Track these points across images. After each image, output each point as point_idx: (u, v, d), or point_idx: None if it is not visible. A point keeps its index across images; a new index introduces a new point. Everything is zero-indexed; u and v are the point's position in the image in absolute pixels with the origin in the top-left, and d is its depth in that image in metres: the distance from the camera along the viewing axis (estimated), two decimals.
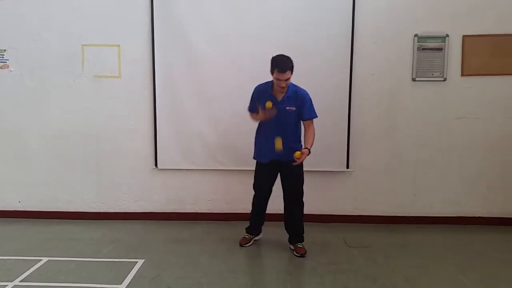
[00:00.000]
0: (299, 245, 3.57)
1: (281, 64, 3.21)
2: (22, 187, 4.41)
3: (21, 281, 2.96)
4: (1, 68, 4.28)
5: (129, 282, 2.95)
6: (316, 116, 3.48)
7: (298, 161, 3.30)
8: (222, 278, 3.07)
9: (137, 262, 3.30)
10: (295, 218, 3.61)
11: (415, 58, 4.12)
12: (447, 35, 4.08)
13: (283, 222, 3.70)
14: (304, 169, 4.03)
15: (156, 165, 4.30)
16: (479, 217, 4.25)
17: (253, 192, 3.68)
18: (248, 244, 3.69)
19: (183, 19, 4.11)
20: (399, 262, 3.36)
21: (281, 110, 3.36)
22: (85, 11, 4.18)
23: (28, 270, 3.13)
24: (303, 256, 3.47)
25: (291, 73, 3.24)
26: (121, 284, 2.92)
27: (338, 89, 4.13)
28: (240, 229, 3.84)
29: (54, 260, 3.33)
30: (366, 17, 4.08)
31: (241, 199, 4.20)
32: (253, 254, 3.59)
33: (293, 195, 3.57)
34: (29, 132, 4.34)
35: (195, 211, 4.37)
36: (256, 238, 3.80)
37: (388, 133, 4.22)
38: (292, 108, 3.37)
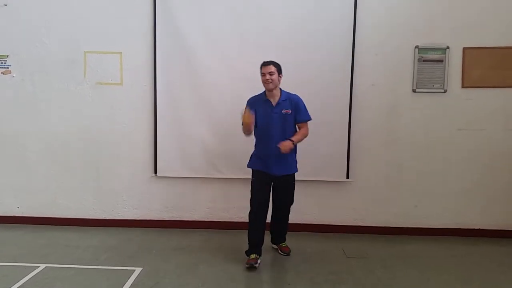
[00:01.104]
0: (283, 245, 3.76)
1: (264, 61, 3.43)
2: (21, 192, 4.41)
3: None
4: (3, 73, 4.30)
5: None
6: (311, 119, 3.56)
7: (283, 149, 3.30)
8: (220, 286, 3.05)
9: (135, 270, 3.28)
10: (282, 223, 3.76)
11: (416, 69, 4.14)
12: (448, 47, 4.10)
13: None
14: (304, 178, 4.09)
15: (155, 172, 4.30)
16: (479, 229, 4.24)
17: None
18: (257, 264, 3.42)
19: (184, 27, 4.13)
20: (397, 273, 3.35)
21: (278, 114, 3.43)
22: (87, 18, 4.21)
23: (25, 276, 3.12)
24: (289, 254, 3.67)
25: (276, 69, 3.39)
26: None
27: (339, 99, 4.14)
28: (238, 238, 3.83)
29: (51, 266, 3.32)
30: (367, 28, 4.11)
31: (240, 207, 4.18)
32: None
33: (285, 203, 3.68)
34: (29, 137, 4.35)
35: (193, 219, 4.36)
36: (259, 260, 3.50)
37: (388, 143, 4.22)
38: (288, 111, 3.44)
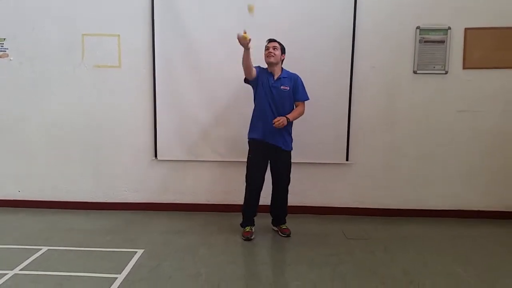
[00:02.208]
0: (283, 226, 3.80)
1: (270, 38, 3.60)
2: (22, 176, 4.42)
3: (21, 269, 2.97)
4: (0, 57, 4.26)
5: (129, 272, 2.96)
6: (309, 99, 3.67)
7: (276, 123, 3.42)
8: (221, 268, 3.07)
9: (136, 252, 3.31)
10: (281, 203, 3.81)
11: (417, 50, 4.10)
12: (449, 28, 4.06)
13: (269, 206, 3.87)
14: (304, 161, 4.10)
15: (155, 156, 4.30)
16: (478, 210, 4.26)
17: None
18: (253, 237, 3.64)
19: (183, 9, 4.08)
20: (397, 254, 3.37)
21: (276, 88, 3.54)
22: (85, 0, 4.15)
23: (28, 259, 3.14)
24: (289, 236, 3.71)
25: (280, 47, 3.56)
26: (120, 273, 2.93)
27: (339, 81, 4.12)
28: (238, 220, 3.84)
29: (53, 249, 3.34)
30: (367, 9, 4.06)
31: (240, 190, 4.16)
32: (252, 244, 3.59)
33: (282, 183, 3.73)
34: (28, 121, 4.34)
35: (194, 202, 4.38)
36: (252, 230, 3.74)
37: (388, 125, 4.21)
38: (286, 87, 3.56)
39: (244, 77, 3.56)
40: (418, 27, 4.07)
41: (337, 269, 3.07)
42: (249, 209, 3.71)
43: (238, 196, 4.23)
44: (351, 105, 4.15)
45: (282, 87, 3.54)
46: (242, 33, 3.23)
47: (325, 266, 3.13)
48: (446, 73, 4.12)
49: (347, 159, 4.22)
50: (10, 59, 4.26)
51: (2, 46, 4.26)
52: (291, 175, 3.75)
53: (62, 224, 3.97)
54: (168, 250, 3.38)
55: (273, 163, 3.70)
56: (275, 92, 3.53)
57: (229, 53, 4.07)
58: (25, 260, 3.11)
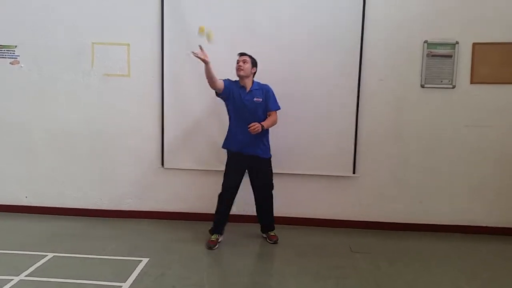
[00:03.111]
0: (271, 233, 3.86)
1: (241, 52, 3.71)
2: (29, 182, 4.45)
3: (26, 275, 2.99)
4: (11, 64, 4.32)
5: (133, 281, 2.97)
6: (280, 108, 3.75)
7: (251, 128, 3.49)
8: (225, 278, 3.08)
9: (141, 260, 3.31)
10: (267, 210, 3.86)
11: (424, 64, 4.11)
12: (457, 42, 4.06)
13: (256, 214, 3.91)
14: (311, 173, 4.09)
15: (162, 164, 4.32)
16: (485, 226, 4.22)
17: None
18: (216, 247, 3.64)
19: (192, 19, 4.11)
20: (402, 268, 3.36)
21: (249, 101, 3.63)
22: (95, 9, 4.22)
23: (33, 265, 3.16)
24: (276, 243, 3.78)
25: (250, 61, 3.66)
26: (125, 282, 2.94)
27: (346, 94, 4.12)
28: (243, 230, 3.86)
29: (59, 256, 3.36)
30: (375, 22, 4.07)
31: (245, 200, 4.20)
32: (256, 255, 3.60)
33: (265, 190, 3.80)
34: (36, 127, 4.38)
35: (199, 211, 4.38)
36: (220, 239, 3.77)
37: (396, 139, 4.21)
38: (259, 99, 3.65)
39: (215, 91, 3.64)
40: (425, 41, 4.08)
41: (341, 282, 3.06)
42: (220, 216, 3.74)
43: (243, 207, 4.25)
44: (358, 118, 4.15)
45: (255, 99, 3.63)
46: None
47: (329, 279, 3.11)
48: (454, 87, 4.12)
49: (353, 172, 4.21)
50: (21, 66, 4.32)
51: (13, 53, 4.32)
52: (273, 181, 3.82)
53: (68, 231, 3.98)
54: (172, 259, 3.38)
55: (252, 172, 3.76)
56: (248, 105, 3.62)
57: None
58: (31, 266, 3.13)
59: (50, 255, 3.36)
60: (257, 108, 3.65)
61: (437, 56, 4.10)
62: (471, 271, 3.35)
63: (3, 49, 4.31)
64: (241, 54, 3.68)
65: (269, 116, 3.70)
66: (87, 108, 4.32)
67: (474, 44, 4.06)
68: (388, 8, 4.07)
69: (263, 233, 3.93)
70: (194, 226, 4.20)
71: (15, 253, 3.40)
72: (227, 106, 3.74)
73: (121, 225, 4.20)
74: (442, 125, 4.16)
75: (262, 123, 3.57)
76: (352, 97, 4.12)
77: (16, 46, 4.31)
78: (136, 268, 3.16)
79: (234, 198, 3.76)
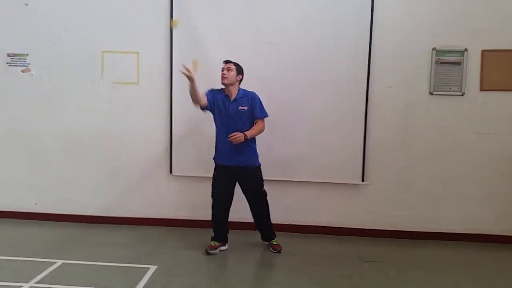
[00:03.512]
0: (274, 242, 3.80)
1: (226, 59, 3.66)
2: (38, 189, 4.49)
3: (36, 282, 3.00)
4: (23, 72, 4.38)
5: None
6: (267, 115, 3.68)
7: (231, 138, 3.45)
8: (233, 287, 3.06)
9: (150, 268, 3.31)
10: (262, 217, 3.80)
11: (433, 71, 4.10)
12: (466, 49, 4.05)
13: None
14: (319, 180, 4.08)
15: (170, 171, 4.34)
16: (495, 235, 4.17)
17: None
18: (214, 252, 3.63)
19: (200, 27, 4.16)
20: (411, 277, 3.32)
21: (234, 110, 3.58)
22: (105, 18, 4.27)
23: (42, 272, 3.17)
24: (280, 252, 3.71)
25: (235, 69, 3.60)
26: None
27: (354, 101, 4.12)
28: (251, 238, 3.84)
29: (68, 263, 3.37)
30: (383, 29, 4.08)
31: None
32: (264, 264, 3.58)
33: (257, 198, 3.74)
34: (46, 135, 4.42)
35: (208, 219, 4.36)
36: (223, 248, 3.76)
37: (404, 146, 4.19)
38: (244, 107, 3.59)
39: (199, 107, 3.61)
40: (434, 48, 4.07)
41: None
42: (217, 226, 3.73)
43: (250, 214, 4.24)
44: (367, 125, 4.14)
45: (240, 107, 3.58)
46: (192, 63, 3.38)
47: None
48: (463, 94, 4.10)
49: (362, 180, 4.20)
50: (32, 74, 4.38)
51: (25, 61, 4.38)
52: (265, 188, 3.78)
53: (77, 238, 4.00)
54: (181, 267, 3.39)
55: (242, 182, 3.70)
56: (233, 114, 3.57)
57: (245, 71, 4.13)
58: (40, 273, 3.14)
59: (59, 262, 3.37)
60: (243, 117, 3.59)
61: (446, 63, 4.09)
62: (481, 280, 3.31)
63: (15, 58, 4.37)
64: (226, 62, 3.63)
65: (255, 124, 3.64)
66: (96, 115, 4.36)
67: (483, 51, 4.05)
68: (396, 15, 4.08)
69: (264, 241, 3.89)
70: (202, 233, 4.19)
71: (25, 260, 3.41)
72: (213, 116, 3.70)
73: (130, 232, 4.21)
74: (451, 133, 4.14)
75: (245, 132, 3.50)
76: (361, 104, 4.12)
77: (27, 54, 4.37)
78: (145, 276, 3.16)
79: (229, 207, 3.73)
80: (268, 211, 3.79)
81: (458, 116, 4.12)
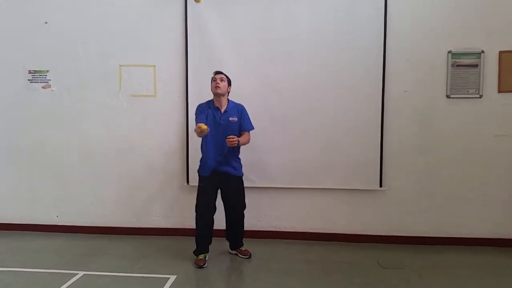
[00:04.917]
0: (243, 248, 3.88)
1: (217, 70, 3.71)
2: (59, 201, 4.57)
3: None
4: (43, 88, 4.50)
5: None
6: (253, 128, 3.78)
7: (229, 140, 3.47)
8: None
9: (169, 278, 3.33)
10: (238, 229, 3.88)
11: (449, 74, 4.05)
12: (482, 51, 4.00)
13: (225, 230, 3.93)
14: (336, 187, 4.05)
15: (187, 182, 4.37)
16: None
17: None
18: (205, 265, 3.63)
19: (214, 40, 4.21)
20: (433, 284, 3.26)
21: (225, 121, 3.64)
22: (122, 33, 4.36)
23: (65, 283, 3.22)
24: (250, 257, 3.79)
25: (226, 79, 3.67)
26: None
27: (370, 106, 4.10)
28: (270, 246, 3.83)
29: (90, 274, 3.42)
30: (398, 33, 4.06)
31: (271, 216, 4.20)
32: (282, 272, 3.55)
33: (237, 208, 3.81)
34: (67, 148, 4.51)
35: (225, 228, 4.38)
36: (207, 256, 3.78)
37: (422, 151, 4.13)
38: (234, 118, 3.67)
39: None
40: (450, 51, 4.03)
41: None
42: (201, 238, 3.74)
43: (269, 223, 4.27)
44: (384, 130, 4.11)
45: (230, 118, 3.64)
46: (200, 127, 3.43)
47: None
48: (481, 97, 4.04)
49: (380, 186, 4.15)
50: (52, 90, 4.49)
51: (45, 77, 4.50)
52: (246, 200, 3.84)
53: (97, 249, 4.05)
54: (200, 276, 3.40)
55: (224, 190, 3.76)
56: (224, 125, 3.62)
57: (259, 83, 4.16)
58: (62, 285, 3.19)
59: (81, 273, 3.42)
60: (233, 128, 3.64)
61: (462, 66, 4.04)
62: (504, 286, 3.22)
63: (35, 74, 4.49)
64: (217, 72, 3.68)
65: (242, 135, 3.69)
66: (115, 128, 4.44)
67: (500, 53, 3.99)
68: (410, 18, 4.06)
69: (231, 249, 3.93)
70: (220, 242, 4.19)
71: (47, 272, 3.47)
72: None
73: (149, 242, 4.24)
74: (470, 136, 4.07)
75: (238, 138, 3.55)
76: (377, 109, 4.09)
77: (48, 71, 4.49)
78: (165, 286, 3.19)
79: (212, 216, 3.76)
80: (243, 223, 3.87)
81: (476, 119, 4.06)
